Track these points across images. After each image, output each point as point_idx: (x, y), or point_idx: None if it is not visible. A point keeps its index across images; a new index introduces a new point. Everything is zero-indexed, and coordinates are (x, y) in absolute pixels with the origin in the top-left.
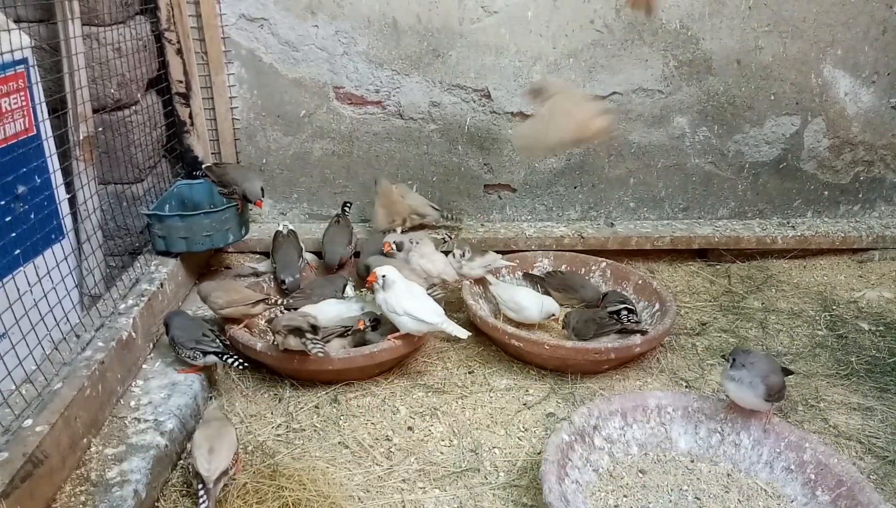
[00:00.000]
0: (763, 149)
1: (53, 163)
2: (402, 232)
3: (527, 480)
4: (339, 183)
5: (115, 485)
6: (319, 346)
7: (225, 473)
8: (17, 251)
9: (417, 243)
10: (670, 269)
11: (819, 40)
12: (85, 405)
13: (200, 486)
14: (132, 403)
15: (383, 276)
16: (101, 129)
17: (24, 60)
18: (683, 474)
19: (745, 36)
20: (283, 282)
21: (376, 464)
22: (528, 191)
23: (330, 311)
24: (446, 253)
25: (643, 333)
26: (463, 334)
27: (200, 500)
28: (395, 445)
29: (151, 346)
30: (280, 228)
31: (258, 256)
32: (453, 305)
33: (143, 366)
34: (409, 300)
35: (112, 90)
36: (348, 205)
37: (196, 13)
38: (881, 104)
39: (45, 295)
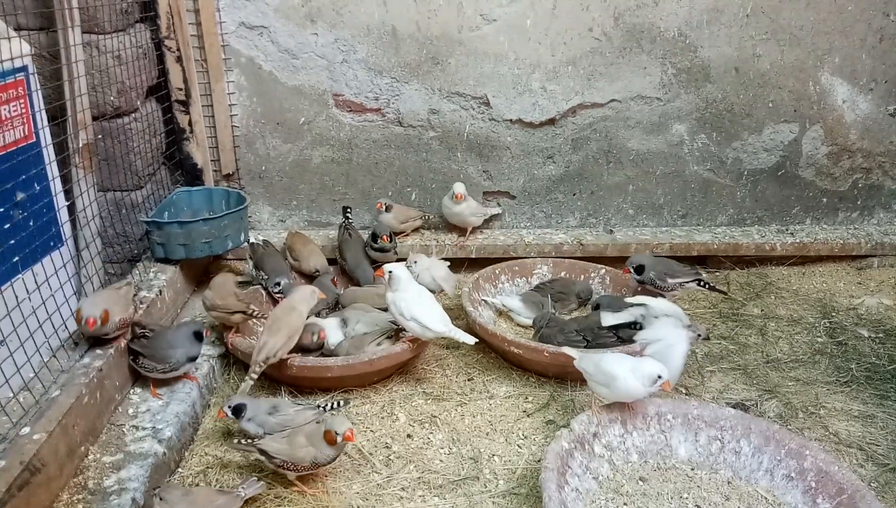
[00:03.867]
0: (761, 156)
1: (53, 170)
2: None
3: (527, 488)
4: (338, 190)
5: (113, 493)
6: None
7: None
8: (16, 258)
9: (416, 261)
10: None
11: (817, 48)
12: (83, 413)
13: None
14: (130, 411)
15: (390, 272)
16: (100, 136)
17: (24, 68)
18: (684, 481)
19: (743, 44)
20: (279, 284)
21: (375, 472)
22: (527, 198)
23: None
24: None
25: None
26: (470, 340)
27: None
28: (394, 453)
29: None
30: (253, 240)
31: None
32: (452, 312)
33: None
34: (417, 306)
35: (112, 98)
36: (349, 210)
37: (196, 21)
38: (879, 111)
39: (44, 302)
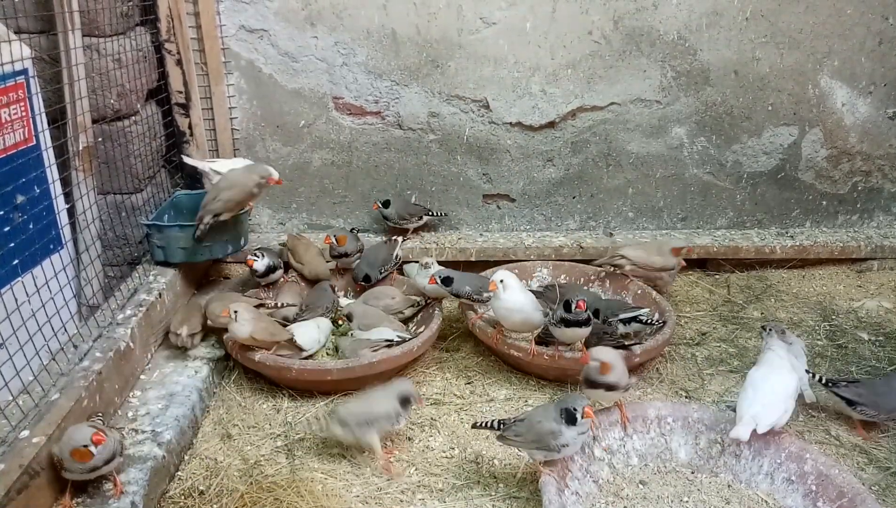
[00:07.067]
0: (761, 159)
1: (53, 173)
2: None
3: (527, 492)
4: (338, 193)
5: (113, 497)
6: None
7: None
8: (16, 261)
9: (427, 264)
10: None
11: (816, 51)
12: (82, 416)
13: None
14: (130, 414)
15: (501, 280)
16: (100, 139)
17: (24, 71)
18: (684, 485)
19: (743, 47)
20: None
21: (375, 475)
22: (526, 201)
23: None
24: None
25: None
26: None
27: None
28: (393, 456)
29: (149, 356)
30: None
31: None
32: (452, 314)
33: (141, 377)
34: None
35: (112, 101)
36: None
37: (196, 24)
38: (878, 114)
39: (44, 305)
